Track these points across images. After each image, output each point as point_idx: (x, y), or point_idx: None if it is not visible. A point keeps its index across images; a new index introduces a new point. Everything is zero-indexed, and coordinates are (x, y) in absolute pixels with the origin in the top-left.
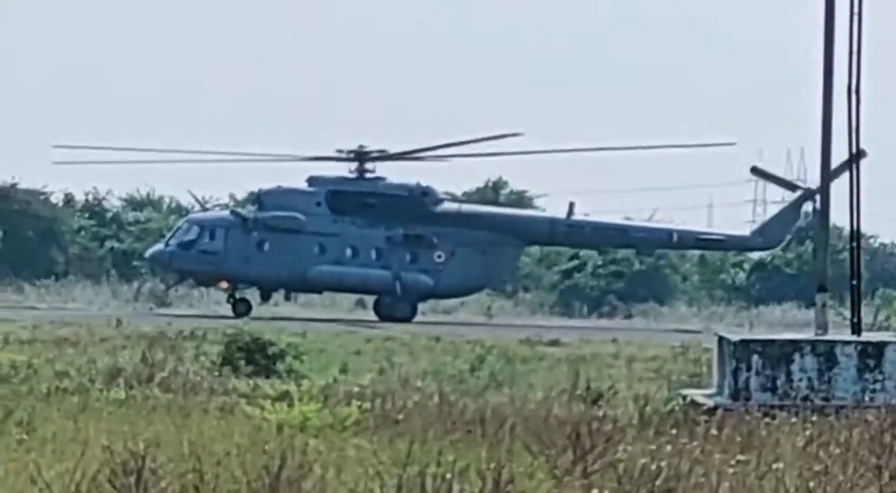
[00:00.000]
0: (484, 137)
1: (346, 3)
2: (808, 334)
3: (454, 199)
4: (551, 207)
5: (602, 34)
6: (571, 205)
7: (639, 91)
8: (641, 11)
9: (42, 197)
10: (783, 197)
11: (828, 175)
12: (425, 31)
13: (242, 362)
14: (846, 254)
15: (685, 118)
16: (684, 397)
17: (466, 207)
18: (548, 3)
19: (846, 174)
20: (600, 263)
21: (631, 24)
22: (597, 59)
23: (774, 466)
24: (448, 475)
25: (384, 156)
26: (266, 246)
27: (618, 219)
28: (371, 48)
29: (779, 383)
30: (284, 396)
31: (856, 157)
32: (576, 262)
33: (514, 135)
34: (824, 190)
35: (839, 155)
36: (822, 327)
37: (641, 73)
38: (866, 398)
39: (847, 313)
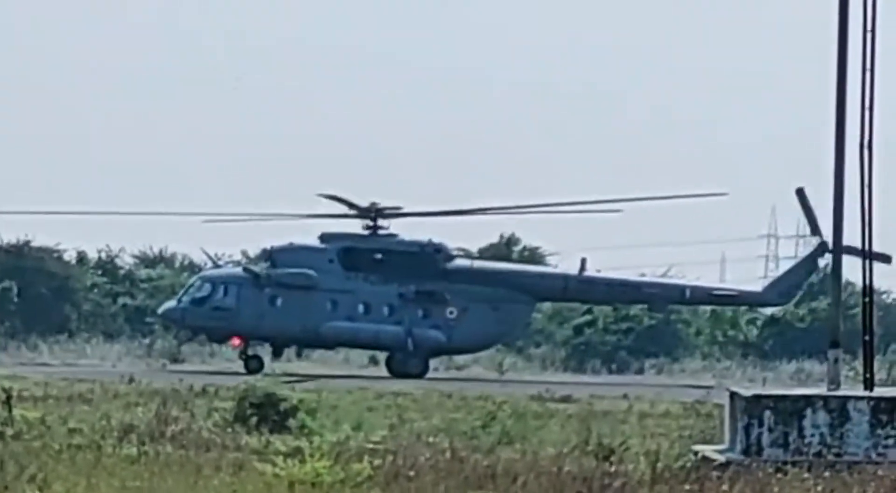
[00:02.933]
0: (684, 195)
1: (370, 67)
2: (821, 390)
3: (467, 255)
4: (564, 263)
5: (612, 89)
6: (584, 261)
7: (650, 146)
8: (653, 71)
9: (55, 254)
10: (795, 253)
11: (840, 231)
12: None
13: (255, 419)
14: (859, 309)
15: (697, 173)
16: (696, 453)
17: (479, 264)
18: (558, 61)
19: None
20: (612, 318)
21: (636, 81)
22: (609, 115)
23: None
24: None
25: (397, 213)
26: (278, 302)
27: (632, 275)
28: (385, 105)
29: (791, 438)
30: (296, 452)
31: (868, 210)
32: (588, 317)
33: (720, 195)
34: (837, 245)
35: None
36: (835, 382)
37: (654, 127)
38: (878, 454)
39: (860, 369)
